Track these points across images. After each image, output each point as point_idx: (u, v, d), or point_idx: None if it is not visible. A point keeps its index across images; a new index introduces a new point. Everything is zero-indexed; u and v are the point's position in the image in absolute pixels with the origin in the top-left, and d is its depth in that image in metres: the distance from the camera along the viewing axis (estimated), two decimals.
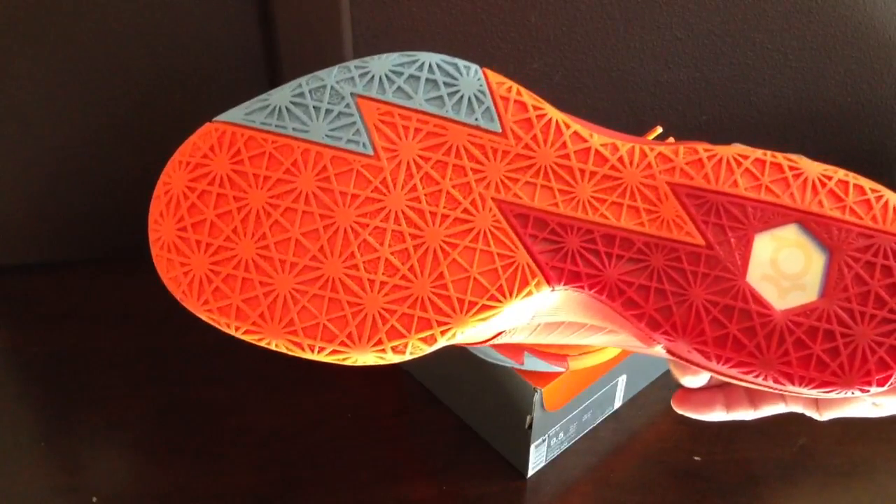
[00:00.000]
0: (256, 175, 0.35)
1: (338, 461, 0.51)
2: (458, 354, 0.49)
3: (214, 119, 0.37)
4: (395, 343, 0.33)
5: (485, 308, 0.34)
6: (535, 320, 0.36)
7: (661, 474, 0.50)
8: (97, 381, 0.55)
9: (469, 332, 0.34)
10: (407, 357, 0.34)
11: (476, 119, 0.36)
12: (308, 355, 0.34)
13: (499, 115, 0.36)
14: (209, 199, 0.35)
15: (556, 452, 0.51)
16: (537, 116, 0.36)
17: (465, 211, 0.35)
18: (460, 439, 0.52)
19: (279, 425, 0.52)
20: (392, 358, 0.34)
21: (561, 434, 0.50)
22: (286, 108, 0.37)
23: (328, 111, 0.36)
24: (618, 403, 0.54)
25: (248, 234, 0.35)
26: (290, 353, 0.34)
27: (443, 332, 0.34)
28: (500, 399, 0.48)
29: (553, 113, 0.36)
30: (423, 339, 0.34)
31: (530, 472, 0.50)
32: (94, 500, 0.48)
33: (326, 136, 0.36)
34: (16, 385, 0.55)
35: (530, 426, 0.47)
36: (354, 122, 0.36)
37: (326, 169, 0.35)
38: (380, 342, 0.33)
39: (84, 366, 0.56)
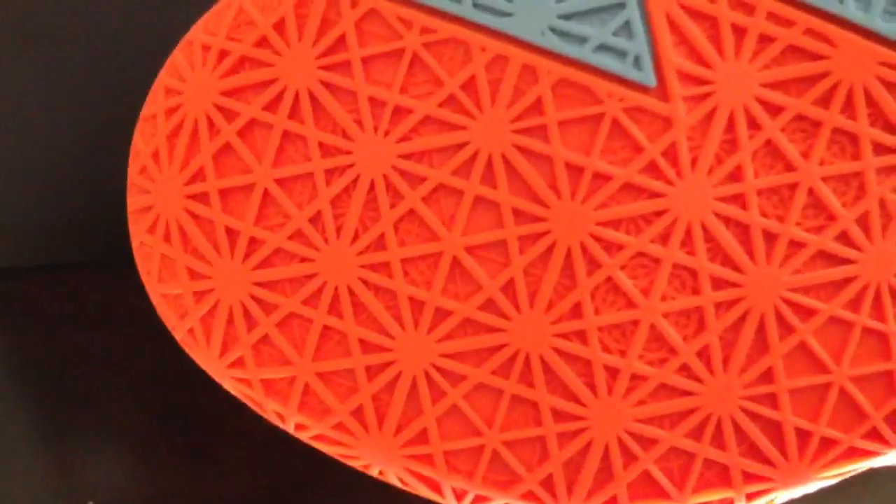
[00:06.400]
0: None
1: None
2: None
3: None
4: None
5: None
6: None
7: None
8: (95, 383, 0.55)
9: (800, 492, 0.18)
10: None
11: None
12: None
13: None
14: (259, 138, 0.15)
15: None
16: None
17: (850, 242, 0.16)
18: None
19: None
20: None
21: None
22: None
23: None
24: None
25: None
26: None
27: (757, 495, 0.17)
28: None
29: None
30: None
31: None
32: None
33: (548, 30, 0.16)
34: (14, 387, 0.55)
35: None
36: (622, 4, 0.16)
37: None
38: None
39: (82, 368, 0.56)
